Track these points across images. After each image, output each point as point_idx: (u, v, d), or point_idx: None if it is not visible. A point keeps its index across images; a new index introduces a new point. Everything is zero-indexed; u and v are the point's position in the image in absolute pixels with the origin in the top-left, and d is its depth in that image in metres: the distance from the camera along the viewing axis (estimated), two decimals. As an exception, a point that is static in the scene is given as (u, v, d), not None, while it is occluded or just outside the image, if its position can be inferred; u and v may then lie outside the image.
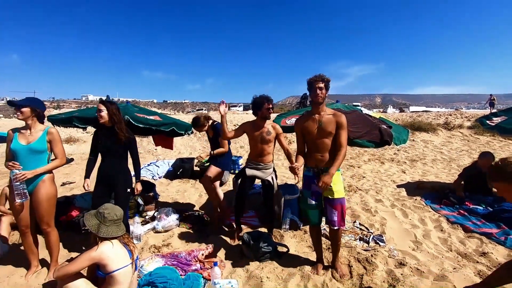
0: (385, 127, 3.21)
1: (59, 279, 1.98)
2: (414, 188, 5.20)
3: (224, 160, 3.74)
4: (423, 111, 21.32)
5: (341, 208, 2.48)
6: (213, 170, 3.66)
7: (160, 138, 4.58)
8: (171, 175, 6.23)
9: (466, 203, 4.15)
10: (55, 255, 2.69)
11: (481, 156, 4.44)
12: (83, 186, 2.78)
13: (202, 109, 49.02)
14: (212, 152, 3.63)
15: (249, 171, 3.18)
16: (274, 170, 3.25)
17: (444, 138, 10.57)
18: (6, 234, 3.28)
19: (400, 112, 29.82)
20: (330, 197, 2.47)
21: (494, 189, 4.49)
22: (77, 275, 2.00)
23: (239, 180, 3.25)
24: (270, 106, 3.05)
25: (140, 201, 4.09)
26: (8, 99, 2.60)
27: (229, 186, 5.45)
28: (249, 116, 14.87)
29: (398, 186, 5.41)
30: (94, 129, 2.88)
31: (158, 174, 6.39)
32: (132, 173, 2.94)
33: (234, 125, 11.83)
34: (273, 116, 3.67)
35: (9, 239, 3.25)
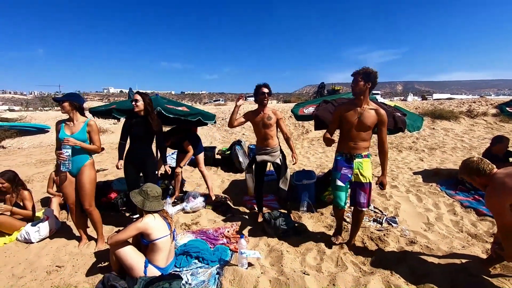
0: (399, 114, 3.35)
1: (111, 245, 2.35)
2: (431, 175, 5.28)
3: (198, 146, 4.44)
4: (447, 99, 20.59)
5: (369, 192, 2.69)
6: (199, 160, 4.40)
7: (184, 127, 4.92)
8: (194, 163, 6.61)
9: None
10: (100, 230, 3.10)
11: (495, 141, 4.43)
12: (117, 166, 3.14)
13: (219, 100, 49.51)
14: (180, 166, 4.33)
15: (258, 157, 3.43)
16: (282, 152, 3.48)
17: (466, 126, 10.32)
18: (57, 213, 3.76)
19: (422, 100, 28.84)
20: (360, 181, 2.67)
21: None
22: (125, 243, 2.37)
23: (253, 166, 3.53)
24: (265, 91, 3.23)
25: (169, 184, 4.48)
26: (52, 96, 2.99)
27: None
28: (269, 106, 15.10)
29: (415, 173, 5.50)
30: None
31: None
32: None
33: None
34: (291, 105, 3.89)
35: (59, 217, 3.74)
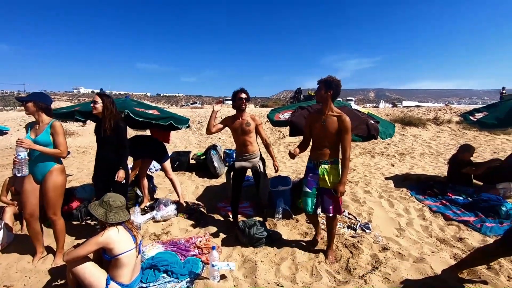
0: (372, 122, 3.41)
1: (68, 262, 2.13)
2: (401, 180, 5.45)
3: (164, 154, 4.25)
4: (415, 106, 21.69)
5: (335, 198, 2.65)
6: (166, 167, 4.20)
7: (157, 132, 4.71)
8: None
9: (448, 193, 4.42)
10: (61, 243, 2.84)
11: (463, 150, 4.67)
12: None
13: (196, 103, 48.85)
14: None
15: (237, 164, 3.36)
16: (262, 159, 3.42)
17: (433, 132, 10.88)
18: (10, 224, 3.41)
19: (393, 107, 30.21)
20: (325, 187, 2.69)
21: (475, 181, 4.79)
22: (84, 259, 2.16)
23: (231, 173, 3.44)
24: (243, 96, 3.17)
25: (139, 192, 4.24)
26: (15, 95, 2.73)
27: (223, 178, 5.65)
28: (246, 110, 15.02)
29: (386, 179, 5.65)
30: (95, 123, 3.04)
31: (155, 167, 6.52)
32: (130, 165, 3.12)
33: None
34: (268, 110, 3.85)
35: (12, 229, 3.39)
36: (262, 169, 3.35)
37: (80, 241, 3.06)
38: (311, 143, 2.87)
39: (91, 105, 2.85)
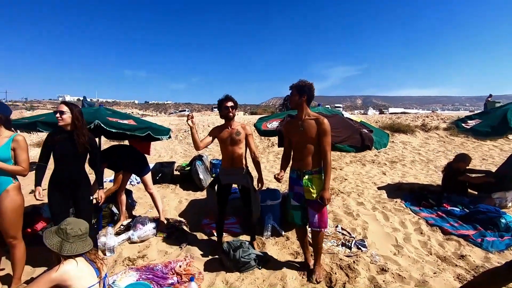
0: (366, 131, 3.20)
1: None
2: (394, 190, 5.27)
3: (144, 166, 3.88)
4: (401, 113, 21.98)
5: (321, 209, 2.48)
6: (146, 181, 3.82)
7: (136, 142, 4.37)
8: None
9: (444, 204, 4.24)
10: (19, 272, 2.48)
11: (460, 159, 4.52)
12: (35, 196, 2.54)
13: (184, 110, 48.30)
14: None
15: (223, 179, 3.09)
16: (249, 173, 3.14)
17: (421, 139, 10.88)
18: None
19: (380, 113, 30.61)
20: (310, 199, 2.49)
21: (470, 190, 4.64)
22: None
23: (215, 188, 3.14)
24: (229, 104, 2.93)
25: (114, 209, 3.87)
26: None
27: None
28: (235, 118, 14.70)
29: (379, 188, 5.46)
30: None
31: (136, 179, 6.13)
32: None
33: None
34: (256, 118, 3.59)
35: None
36: (251, 184, 3.05)
37: (43, 270, 2.69)
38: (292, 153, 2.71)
39: (57, 115, 2.49)
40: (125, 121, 3.16)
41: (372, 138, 3.08)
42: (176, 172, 6.20)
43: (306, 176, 2.49)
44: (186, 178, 5.80)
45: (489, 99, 16.54)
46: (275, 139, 10.01)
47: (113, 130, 2.95)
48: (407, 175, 6.62)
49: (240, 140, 2.98)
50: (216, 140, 3.09)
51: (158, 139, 3.66)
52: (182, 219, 4.08)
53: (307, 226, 2.64)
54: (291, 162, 2.71)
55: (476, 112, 8.12)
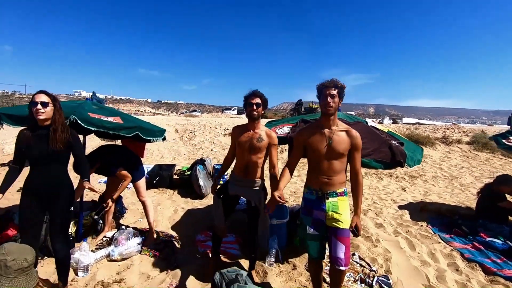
0: (397, 143, 2.62)
1: None
2: (418, 211, 4.63)
3: (137, 170, 3.38)
4: (415, 123, 21.06)
5: (348, 242, 1.99)
6: (139, 187, 3.39)
7: (129, 143, 3.91)
8: (147, 184, 5.52)
9: (480, 234, 3.59)
10: None
11: (502, 181, 3.83)
12: None
13: (195, 111, 48.27)
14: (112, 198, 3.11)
15: (232, 188, 2.57)
16: (264, 189, 2.62)
17: (442, 153, 10.12)
18: None
19: (393, 123, 29.57)
20: (337, 226, 1.98)
21: (511, 218, 3.96)
22: None
23: (221, 197, 2.62)
24: (254, 101, 2.41)
25: (99, 219, 3.40)
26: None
27: (209, 199, 4.82)
28: (244, 121, 14.22)
29: (400, 208, 4.83)
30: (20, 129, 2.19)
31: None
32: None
33: (224, 129, 11.19)
34: (264, 122, 3.08)
35: None
36: (261, 203, 2.52)
37: None
38: (308, 167, 2.19)
39: (34, 108, 2.00)
40: (109, 119, 2.69)
41: (405, 152, 2.51)
42: (175, 176, 5.72)
43: (331, 199, 2.00)
44: (186, 184, 5.31)
45: None
46: (284, 146, 9.45)
47: (93, 128, 2.48)
48: (430, 193, 5.94)
49: (261, 148, 2.45)
50: (223, 141, 2.58)
51: (149, 141, 3.17)
52: (174, 233, 3.58)
53: (324, 259, 2.11)
54: (307, 180, 2.20)
55: None
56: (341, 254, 1.95)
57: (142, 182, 3.45)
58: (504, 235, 3.55)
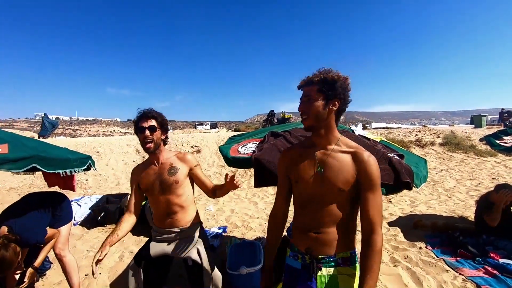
0: (397, 157, 1.97)
1: None
2: (411, 228, 4.05)
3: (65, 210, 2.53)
4: (384, 128, 21.38)
5: None
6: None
7: (51, 176, 2.97)
8: (90, 221, 4.49)
9: (491, 254, 3.03)
10: None
11: (500, 190, 3.31)
12: None
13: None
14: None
15: (154, 248, 1.81)
16: (203, 236, 1.89)
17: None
18: None
19: (363, 129, 30.15)
20: None
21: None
22: None
23: (141, 265, 1.81)
24: (147, 124, 1.70)
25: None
26: None
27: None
28: (214, 135, 13.33)
29: (391, 225, 4.23)
30: None
31: (75, 220, 4.62)
32: None
33: (192, 147, 10.26)
34: (227, 135, 2.35)
35: None
36: (202, 258, 1.76)
37: None
38: (292, 208, 1.39)
39: None
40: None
41: (411, 169, 1.86)
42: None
43: (325, 270, 1.22)
44: (139, 218, 4.34)
45: (505, 114, 16.13)
46: (247, 174, 8.76)
47: None
48: (417, 202, 5.46)
49: (178, 182, 1.74)
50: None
51: (58, 174, 2.26)
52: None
53: None
54: (292, 231, 1.39)
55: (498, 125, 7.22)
56: None
57: (64, 230, 2.53)
58: (514, 252, 3.02)
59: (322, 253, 1.22)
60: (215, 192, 1.82)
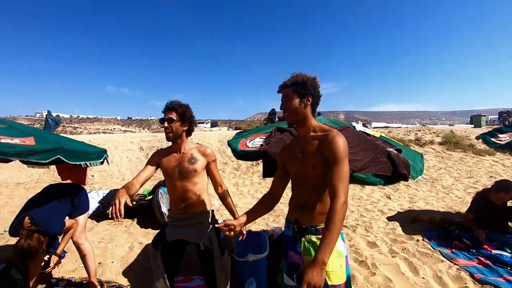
0: (395, 151, 2.12)
1: None
2: (409, 222, 4.21)
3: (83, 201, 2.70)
4: (384, 127, 21.54)
5: None
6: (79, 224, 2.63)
7: (66, 168, 3.12)
8: (98, 215, 4.65)
9: (484, 246, 3.19)
10: None
11: (501, 188, 3.39)
12: None
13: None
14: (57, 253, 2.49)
15: (170, 233, 1.96)
16: (214, 223, 2.03)
17: (418, 155, 10.10)
18: None
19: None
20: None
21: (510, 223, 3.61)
22: None
23: (159, 248, 1.97)
24: (166, 116, 1.87)
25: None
26: None
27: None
28: (215, 134, 13.45)
29: (389, 219, 4.39)
30: None
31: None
32: None
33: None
34: (228, 133, 2.48)
35: None
36: (213, 243, 1.92)
37: None
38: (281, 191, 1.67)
39: None
40: (15, 140, 1.94)
41: (408, 162, 2.01)
42: (134, 203, 4.89)
43: (308, 237, 1.44)
44: (146, 211, 4.51)
45: (505, 114, 16.17)
46: (255, 167, 8.91)
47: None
48: (416, 199, 5.62)
49: (196, 171, 1.89)
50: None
51: (81, 166, 2.42)
52: (125, 282, 2.80)
53: None
54: (289, 208, 1.62)
55: (498, 125, 7.37)
56: None
57: (81, 220, 2.69)
58: (510, 245, 3.16)
59: (306, 223, 1.46)
60: (222, 198, 2.07)
